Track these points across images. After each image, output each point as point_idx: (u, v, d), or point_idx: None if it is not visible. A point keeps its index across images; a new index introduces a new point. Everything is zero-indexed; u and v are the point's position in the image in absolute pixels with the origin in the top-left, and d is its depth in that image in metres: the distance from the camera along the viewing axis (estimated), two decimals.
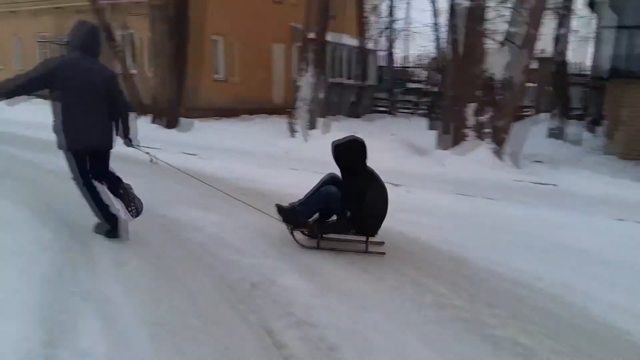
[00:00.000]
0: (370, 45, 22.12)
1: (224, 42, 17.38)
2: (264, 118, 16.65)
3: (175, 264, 3.74)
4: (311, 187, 4.36)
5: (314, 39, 10.98)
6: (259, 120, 15.70)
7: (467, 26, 8.27)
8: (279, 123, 13.11)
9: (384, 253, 4.12)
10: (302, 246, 4.16)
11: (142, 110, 12.21)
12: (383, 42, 24.95)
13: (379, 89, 22.55)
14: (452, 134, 8.70)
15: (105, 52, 16.75)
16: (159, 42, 11.20)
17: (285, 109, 17.79)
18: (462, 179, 7.48)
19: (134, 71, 14.60)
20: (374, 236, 4.11)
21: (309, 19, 11.07)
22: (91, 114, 3.82)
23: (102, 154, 4.06)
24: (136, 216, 4.09)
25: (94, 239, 4.08)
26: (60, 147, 3.85)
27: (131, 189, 4.14)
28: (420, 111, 21.45)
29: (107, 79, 3.88)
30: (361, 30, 20.27)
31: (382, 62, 24.42)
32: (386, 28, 25.17)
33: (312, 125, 10.79)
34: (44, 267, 3.29)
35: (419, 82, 25.53)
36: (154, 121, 11.67)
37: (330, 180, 4.35)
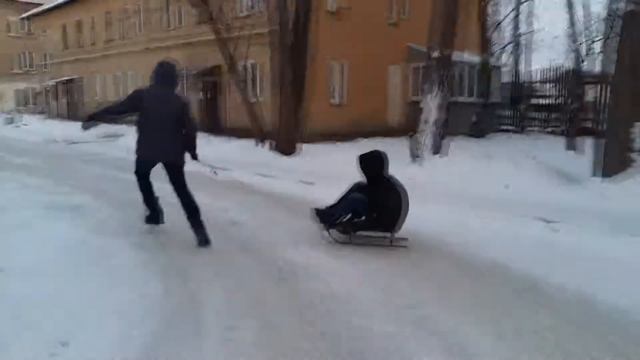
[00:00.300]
0: (493, 60, 20.55)
1: (339, 66, 17.20)
2: (379, 141, 15.97)
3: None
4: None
5: (438, 58, 10.14)
6: (376, 144, 15.04)
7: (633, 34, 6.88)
8: (397, 146, 12.34)
9: (405, 246, 4.91)
10: (336, 241, 4.99)
11: (262, 138, 12.23)
12: (507, 57, 23.18)
13: (504, 106, 20.80)
14: (614, 158, 7.23)
15: (224, 82, 17.88)
16: (278, 69, 11.16)
17: (401, 131, 17.11)
18: (633, 216, 6.06)
19: (253, 100, 14.92)
20: (397, 232, 4.87)
21: (432, 38, 10.27)
22: (162, 134, 4.64)
23: (173, 167, 4.80)
24: (199, 245, 4.77)
25: (206, 291, 3.76)
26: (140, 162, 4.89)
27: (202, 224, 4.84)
28: (551, 129, 19.30)
29: (180, 106, 4.74)
30: (483, 45, 18.88)
31: (507, 78, 22.61)
32: (510, 42, 23.37)
33: (436, 150, 9.88)
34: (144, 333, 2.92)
35: (546, 97, 23.24)
36: (272, 148, 11.62)
37: (356, 187, 5.12)
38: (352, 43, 16.38)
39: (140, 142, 4.77)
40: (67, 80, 28.05)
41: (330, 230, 4.95)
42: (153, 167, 4.90)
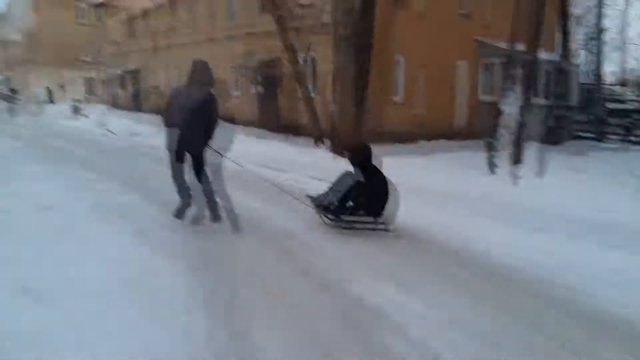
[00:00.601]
0: (572, 59, 18.79)
1: (404, 61, 16.14)
2: (445, 145, 14.87)
3: None
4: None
5: (523, 56, 9.00)
6: (442, 149, 13.94)
7: None
8: (467, 152, 11.28)
9: (388, 230, 5.36)
10: (327, 224, 5.56)
11: (320, 137, 11.51)
12: (587, 56, 21.25)
13: (582, 110, 18.99)
14: None
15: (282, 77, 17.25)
16: (342, 65, 10.36)
17: (468, 134, 15.89)
18: None
19: (312, 95, 14.23)
20: (379, 216, 5.30)
21: (516, 34, 9.14)
22: (188, 128, 5.01)
23: (196, 156, 5.18)
24: (213, 221, 5.47)
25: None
26: (166, 147, 5.49)
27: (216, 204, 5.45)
28: (636, 138, 17.43)
29: (205, 101, 5.05)
30: (564, 42, 17.23)
31: (585, 79, 20.73)
32: (592, 39, 21.40)
33: (516, 159, 8.77)
34: None
35: (626, 101, 21.13)
36: (330, 149, 10.83)
37: (345, 175, 5.71)
38: (420, 35, 15.26)
39: (168, 136, 5.46)
40: (132, 70, 28.58)
41: (323, 215, 5.53)
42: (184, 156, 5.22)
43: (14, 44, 41.13)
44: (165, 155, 5.59)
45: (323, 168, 9.75)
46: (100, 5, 31.28)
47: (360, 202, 5.33)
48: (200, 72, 5.28)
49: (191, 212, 5.47)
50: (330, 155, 10.63)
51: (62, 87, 38.34)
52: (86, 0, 34.55)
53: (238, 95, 20.63)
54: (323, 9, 12.43)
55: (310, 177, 8.68)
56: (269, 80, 18.69)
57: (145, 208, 6.15)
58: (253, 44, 19.03)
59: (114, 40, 31.09)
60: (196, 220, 5.43)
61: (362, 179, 5.36)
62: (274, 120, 18.27)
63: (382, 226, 5.30)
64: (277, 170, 9.48)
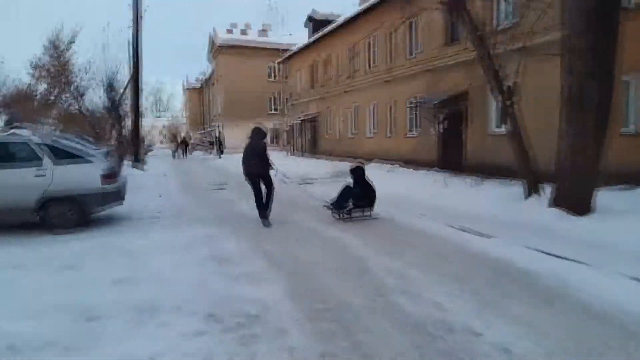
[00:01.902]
0: None
1: (637, 83, 12.07)
2: None
3: None
4: None
5: None
6: None
7: None
8: None
9: (376, 218, 8.45)
10: (338, 219, 8.39)
11: (535, 185, 8.51)
12: None
13: None
14: None
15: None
16: (576, 88, 7.24)
17: None
18: None
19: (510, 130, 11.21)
20: (369, 209, 8.58)
21: None
22: (260, 162, 8.41)
23: (263, 177, 8.52)
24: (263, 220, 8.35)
25: None
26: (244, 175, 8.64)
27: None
28: None
29: (261, 147, 8.49)
30: None
31: None
32: None
33: None
34: None
35: None
36: (554, 202, 7.62)
37: (347, 187, 8.72)
38: None
39: (244, 167, 8.60)
40: (310, 117, 28.96)
41: (335, 213, 8.61)
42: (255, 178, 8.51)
43: (217, 102, 46.42)
44: None
45: (543, 231, 6.78)
46: (286, 59, 32.91)
47: (355, 201, 8.50)
48: (256, 132, 8.81)
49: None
50: (552, 211, 7.39)
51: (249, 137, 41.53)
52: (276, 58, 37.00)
53: (413, 135, 18.56)
54: (521, 31, 9.59)
55: (529, 248, 5.87)
56: (452, 116, 16.20)
57: (287, 323, 4.26)
58: (433, 80, 16.88)
59: (296, 92, 32.23)
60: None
61: (351, 185, 8.76)
62: (458, 161, 15.58)
63: (369, 215, 8.61)
64: (473, 232, 6.89)
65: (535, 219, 7.29)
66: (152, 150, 51.59)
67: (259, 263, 5.41)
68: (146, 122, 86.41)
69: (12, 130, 20.24)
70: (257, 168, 8.31)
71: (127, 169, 19.56)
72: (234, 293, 4.35)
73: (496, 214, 8.09)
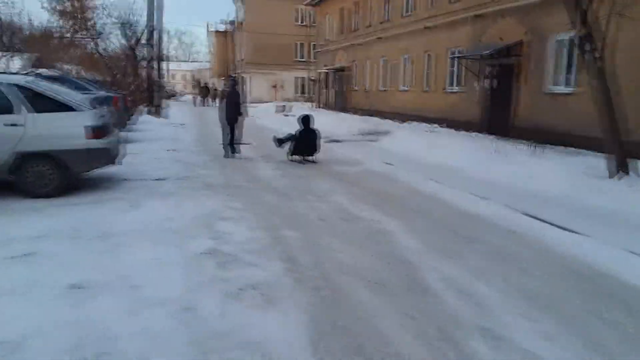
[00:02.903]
0: None
1: None
2: None
3: None
4: None
5: None
6: None
7: None
8: None
9: (315, 162, 9.73)
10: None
11: (623, 159, 6.78)
12: None
13: None
14: None
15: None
16: None
17: None
18: None
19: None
20: (313, 154, 9.93)
21: None
22: (230, 110, 10.22)
23: (237, 120, 10.32)
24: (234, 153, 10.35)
25: None
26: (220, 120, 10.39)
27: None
28: None
29: (237, 96, 10.47)
30: None
31: None
32: None
33: None
34: None
35: None
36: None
37: (295, 133, 10.00)
38: None
39: (221, 115, 10.46)
40: (338, 68, 26.81)
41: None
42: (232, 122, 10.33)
43: (242, 48, 44.18)
44: None
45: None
46: (317, 4, 30.34)
47: (301, 146, 9.90)
48: (233, 82, 11.34)
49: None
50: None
51: (274, 87, 39.60)
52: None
53: (453, 91, 16.56)
54: None
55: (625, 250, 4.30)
56: (500, 70, 14.14)
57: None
58: (482, 29, 14.70)
59: (324, 39, 29.90)
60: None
61: (297, 134, 9.98)
62: (504, 122, 13.68)
63: (312, 159, 9.91)
64: (549, 222, 5.31)
65: (631, 209, 5.61)
66: (175, 97, 50.17)
67: (275, 267, 3.94)
68: (169, 68, 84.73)
69: (32, 70, 18.97)
70: (233, 114, 10.26)
71: (142, 117, 18.24)
72: (230, 325, 2.94)
73: (572, 195, 6.42)
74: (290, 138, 9.96)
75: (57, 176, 6.13)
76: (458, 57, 15.46)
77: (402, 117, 18.67)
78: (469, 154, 9.75)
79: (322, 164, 9.60)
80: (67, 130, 6.09)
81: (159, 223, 4.97)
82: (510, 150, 9.72)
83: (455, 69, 16.49)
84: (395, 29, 20.21)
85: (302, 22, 40.54)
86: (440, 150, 10.51)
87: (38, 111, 5.98)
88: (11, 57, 26.72)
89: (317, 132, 9.93)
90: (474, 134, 13.02)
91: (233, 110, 10.17)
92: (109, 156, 6.55)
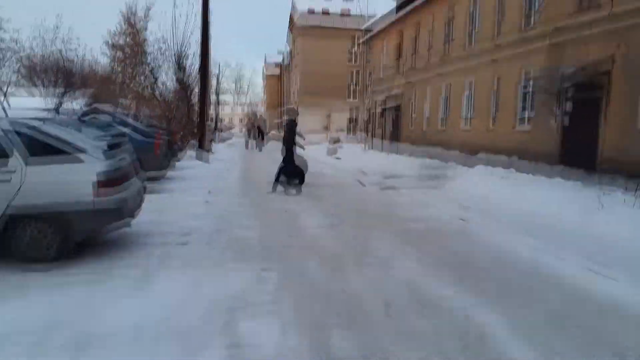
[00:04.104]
0: None
1: None
2: None
3: None
4: None
5: None
6: None
7: None
8: None
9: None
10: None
11: None
12: None
13: None
14: None
15: None
16: None
17: None
18: None
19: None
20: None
21: None
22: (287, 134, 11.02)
23: (287, 148, 10.78)
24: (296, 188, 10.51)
25: None
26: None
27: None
28: None
29: (289, 122, 11.24)
30: None
31: None
32: None
33: None
34: None
35: None
36: None
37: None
38: None
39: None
40: (392, 106, 25.41)
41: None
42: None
43: (294, 86, 44.12)
44: None
45: None
46: (368, 40, 29.49)
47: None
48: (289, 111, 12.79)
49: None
50: None
51: (326, 127, 38.93)
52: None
53: (524, 126, 14.60)
54: None
55: None
56: (582, 99, 12.17)
57: None
58: (558, 55, 12.87)
59: (378, 76, 28.77)
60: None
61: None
62: (588, 155, 11.59)
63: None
64: None
65: None
66: (229, 135, 49.98)
67: None
68: (226, 108, 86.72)
69: (95, 106, 18.86)
70: (285, 138, 10.79)
71: (188, 160, 17.48)
72: None
73: None
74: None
75: (57, 242, 4.94)
76: (531, 87, 13.63)
77: (465, 156, 16.83)
78: (562, 205, 7.89)
79: (379, 217, 8.05)
80: (71, 185, 4.93)
81: (162, 317, 3.57)
82: (617, 202, 7.77)
83: (527, 101, 14.62)
84: (456, 64, 18.64)
85: (354, 62, 39.98)
86: (523, 198, 8.70)
87: (36, 162, 4.89)
88: (72, 94, 27.47)
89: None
90: (556, 180, 11.00)
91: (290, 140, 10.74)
92: (123, 214, 5.32)
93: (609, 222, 6.75)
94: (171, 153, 12.72)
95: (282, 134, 11.09)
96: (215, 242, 5.96)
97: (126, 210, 5.34)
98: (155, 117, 20.95)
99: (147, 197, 6.44)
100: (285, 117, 11.20)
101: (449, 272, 4.91)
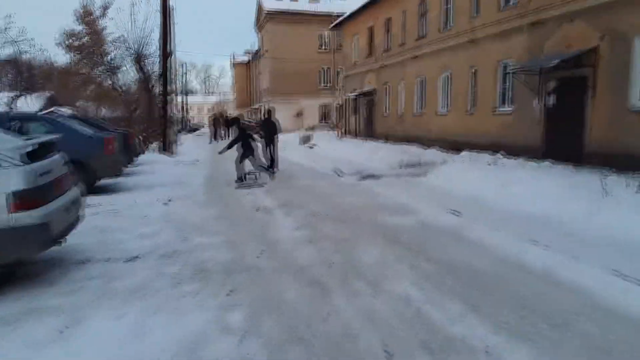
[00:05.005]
0: None
1: None
2: None
3: None
4: None
5: None
6: None
7: None
8: None
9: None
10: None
11: None
12: None
13: None
14: None
15: None
16: None
17: None
18: None
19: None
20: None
21: None
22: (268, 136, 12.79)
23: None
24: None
25: None
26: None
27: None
28: None
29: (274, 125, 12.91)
30: None
31: None
32: None
33: None
34: None
35: None
36: None
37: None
38: None
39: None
40: (366, 92, 24.51)
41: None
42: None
43: (264, 77, 42.65)
44: None
45: None
46: (339, 25, 28.40)
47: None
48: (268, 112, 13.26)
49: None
50: None
51: (298, 114, 37.62)
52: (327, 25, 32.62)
53: (505, 111, 13.94)
54: None
55: None
56: (566, 84, 11.52)
57: None
58: (543, 37, 12.16)
59: (350, 62, 27.77)
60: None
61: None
62: (574, 146, 10.98)
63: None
64: None
65: None
66: (198, 130, 48.49)
67: None
68: (195, 100, 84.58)
69: (53, 109, 17.34)
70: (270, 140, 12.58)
71: (152, 156, 16.19)
72: None
73: None
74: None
75: None
76: (513, 71, 12.87)
77: (443, 143, 16.09)
78: (560, 194, 7.12)
79: (363, 213, 7.12)
80: None
81: None
82: (621, 189, 7.02)
83: (508, 85, 13.92)
84: (433, 45, 17.81)
85: (325, 48, 38.77)
86: (516, 190, 7.89)
87: None
88: (27, 96, 25.59)
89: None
90: (546, 163, 10.33)
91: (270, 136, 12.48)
92: (50, 234, 4.21)
93: (621, 214, 5.99)
94: (128, 154, 11.46)
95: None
96: (172, 259, 4.91)
97: (58, 227, 4.24)
98: (113, 119, 19.66)
99: (95, 201, 5.32)
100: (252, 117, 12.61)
101: (453, 287, 4.04)
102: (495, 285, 4.18)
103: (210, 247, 5.40)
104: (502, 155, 11.60)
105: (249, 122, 32.04)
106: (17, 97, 24.39)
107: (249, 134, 11.07)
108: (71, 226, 4.78)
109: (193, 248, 5.37)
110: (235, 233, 6.16)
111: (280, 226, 6.56)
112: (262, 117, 13.42)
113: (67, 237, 4.62)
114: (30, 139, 4.79)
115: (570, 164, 10.22)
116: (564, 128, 11.55)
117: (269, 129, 12.69)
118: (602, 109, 10.49)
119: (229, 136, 30.27)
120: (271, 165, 12.24)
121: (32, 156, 4.28)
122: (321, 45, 39.05)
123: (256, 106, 48.88)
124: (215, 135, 31.65)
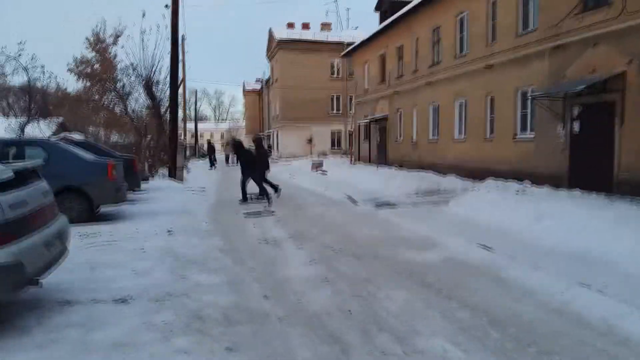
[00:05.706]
0: None
1: None
2: None
3: None
4: None
5: None
6: None
7: None
8: None
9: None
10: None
11: None
12: None
13: None
14: None
15: None
16: None
17: None
18: None
19: None
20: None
21: None
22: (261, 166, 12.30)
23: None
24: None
25: None
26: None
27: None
28: None
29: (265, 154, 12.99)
30: None
31: None
32: None
33: None
34: None
35: None
36: None
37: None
38: None
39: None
40: (379, 118, 23.99)
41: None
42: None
43: (275, 104, 42.52)
44: None
45: None
46: (351, 52, 28.14)
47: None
48: (256, 140, 13.12)
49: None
50: None
51: (309, 141, 37.20)
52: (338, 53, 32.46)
53: (526, 137, 13.23)
54: None
55: None
56: (593, 111, 10.83)
57: None
58: (563, 61, 11.56)
59: (362, 89, 27.39)
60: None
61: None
62: (604, 175, 10.21)
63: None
64: None
65: None
66: (204, 157, 48.10)
67: None
68: (207, 127, 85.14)
69: (63, 135, 17.02)
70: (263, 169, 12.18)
71: (161, 182, 15.66)
72: None
73: None
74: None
75: None
76: (535, 96, 12.22)
77: (460, 171, 15.38)
78: (601, 228, 6.34)
79: (382, 247, 6.40)
80: None
81: None
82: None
83: (528, 111, 13.26)
84: (447, 72, 17.30)
85: (336, 75, 38.62)
86: (550, 222, 7.12)
87: None
88: (38, 122, 25.43)
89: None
90: (576, 192, 9.55)
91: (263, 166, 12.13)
92: (24, 274, 3.56)
93: None
94: (134, 180, 10.90)
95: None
96: (166, 304, 4.22)
97: (34, 266, 3.60)
98: (124, 145, 19.36)
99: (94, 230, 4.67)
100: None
101: (497, 346, 3.28)
102: (552, 341, 3.42)
103: (209, 289, 4.69)
104: (528, 184, 10.79)
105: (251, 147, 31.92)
106: (26, 123, 24.24)
107: (252, 157, 11.96)
108: (53, 262, 4.13)
109: (190, 289, 4.67)
110: (239, 271, 5.46)
111: (289, 262, 5.86)
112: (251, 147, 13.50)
113: (47, 275, 3.97)
114: (9, 164, 4.20)
115: (600, 192, 9.46)
116: (591, 155, 10.82)
117: (260, 158, 12.37)
118: (632, 136, 9.77)
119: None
120: (275, 189, 12.34)
121: (5, 186, 3.68)
122: (332, 73, 38.91)
123: (266, 132, 48.68)
124: (227, 160, 33.04)
